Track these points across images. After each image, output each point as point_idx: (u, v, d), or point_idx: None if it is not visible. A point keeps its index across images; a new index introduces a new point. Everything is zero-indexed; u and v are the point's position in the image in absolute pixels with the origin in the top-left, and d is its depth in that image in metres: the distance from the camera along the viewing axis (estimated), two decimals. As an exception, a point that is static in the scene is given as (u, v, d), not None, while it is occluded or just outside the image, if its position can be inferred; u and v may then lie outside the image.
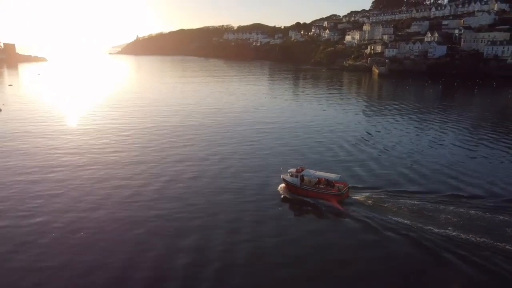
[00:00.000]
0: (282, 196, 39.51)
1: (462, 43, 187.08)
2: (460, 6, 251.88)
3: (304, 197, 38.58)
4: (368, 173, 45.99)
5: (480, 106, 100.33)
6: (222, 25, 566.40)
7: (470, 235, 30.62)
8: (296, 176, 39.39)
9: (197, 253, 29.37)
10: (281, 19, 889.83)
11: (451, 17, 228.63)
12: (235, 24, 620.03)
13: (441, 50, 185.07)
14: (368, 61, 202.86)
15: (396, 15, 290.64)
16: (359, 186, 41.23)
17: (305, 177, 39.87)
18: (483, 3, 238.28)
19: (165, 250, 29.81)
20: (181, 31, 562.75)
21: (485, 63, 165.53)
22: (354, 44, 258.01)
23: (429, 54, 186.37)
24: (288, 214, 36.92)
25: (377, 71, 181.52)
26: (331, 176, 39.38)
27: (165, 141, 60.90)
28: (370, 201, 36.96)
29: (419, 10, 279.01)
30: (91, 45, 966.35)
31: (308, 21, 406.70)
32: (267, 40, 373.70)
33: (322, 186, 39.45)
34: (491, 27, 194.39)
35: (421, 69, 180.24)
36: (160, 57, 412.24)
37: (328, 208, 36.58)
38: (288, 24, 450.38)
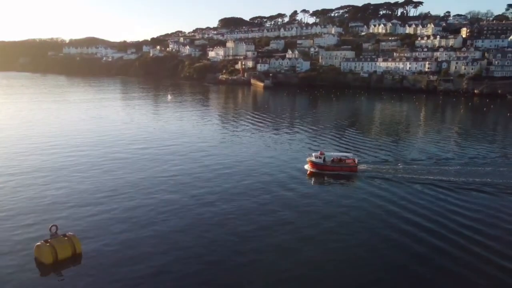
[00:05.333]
0: (308, 171, 51.19)
1: (320, 59, 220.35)
2: (304, 28, 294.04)
3: (328, 171, 50.82)
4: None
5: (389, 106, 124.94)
6: (52, 38, 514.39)
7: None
8: (320, 158, 51.79)
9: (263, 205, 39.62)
10: (119, 34, 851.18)
11: (303, 37, 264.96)
12: (65, 37, 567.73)
13: (306, 65, 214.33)
14: (245, 75, 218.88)
15: (249, 34, 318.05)
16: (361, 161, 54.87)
17: (326, 158, 52.13)
18: (322, 27, 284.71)
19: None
20: (0, 44, 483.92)
21: (344, 76, 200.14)
22: (219, 59, 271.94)
23: (297, 69, 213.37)
24: (316, 181, 49.09)
25: (261, 84, 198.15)
26: (347, 154, 54.35)
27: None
28: (370, 169, 51.80)
29: (270, 30, 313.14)
30: None
31: (153, 36, 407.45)
32: (119, 55, 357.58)
33: (337, 162, 52.28)
34: (337, 47, 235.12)
35: (293, 82, 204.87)
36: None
37: (346, 175, 49.78)
38: (127, 39, 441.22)
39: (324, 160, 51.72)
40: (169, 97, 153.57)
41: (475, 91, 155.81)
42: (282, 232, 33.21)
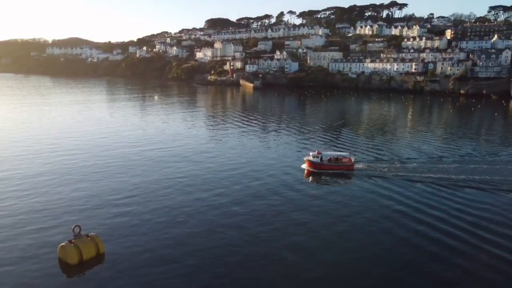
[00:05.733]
0: (305, 171, 52.81)
1: (308, 60, 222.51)
2: (291, 29, 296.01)
3: (325, 170, 52.43)
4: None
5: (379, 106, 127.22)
6: (34, 38, 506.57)
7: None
8: (317, 157, 53.58)
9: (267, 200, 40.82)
10: (104, 34, 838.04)
11: (291, 38, 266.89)
12: (48, 38, 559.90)
13: (295, 66, 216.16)
14: (234, 76, 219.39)
15: (237, 35, 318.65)
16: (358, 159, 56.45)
17: (323, 157, 53.89)
18: (309, 28, 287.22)
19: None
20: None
21: (332, 77, 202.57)
22: (207, 60, 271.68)
23: (286, 70, 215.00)
24: (321, 182, 50.06)
25: (251, 84, 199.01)
26: (343, 153, 56.52)
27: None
28: (367, 168, 53.62)
29: (257, 31, 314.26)
30: None
31: (138, 37, 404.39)
32: (105, 56, 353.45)
33: (333, 161, 54.01)
34: (324, 48, 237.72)
35: (282, 82, 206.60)
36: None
37: (343, 174, 51.58)
38: (112, 40, 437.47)
39: (321, 159, 53.49)
40: (156, 98, 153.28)
41: (461, 91, 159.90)
42: (298, 232, 33.99)
